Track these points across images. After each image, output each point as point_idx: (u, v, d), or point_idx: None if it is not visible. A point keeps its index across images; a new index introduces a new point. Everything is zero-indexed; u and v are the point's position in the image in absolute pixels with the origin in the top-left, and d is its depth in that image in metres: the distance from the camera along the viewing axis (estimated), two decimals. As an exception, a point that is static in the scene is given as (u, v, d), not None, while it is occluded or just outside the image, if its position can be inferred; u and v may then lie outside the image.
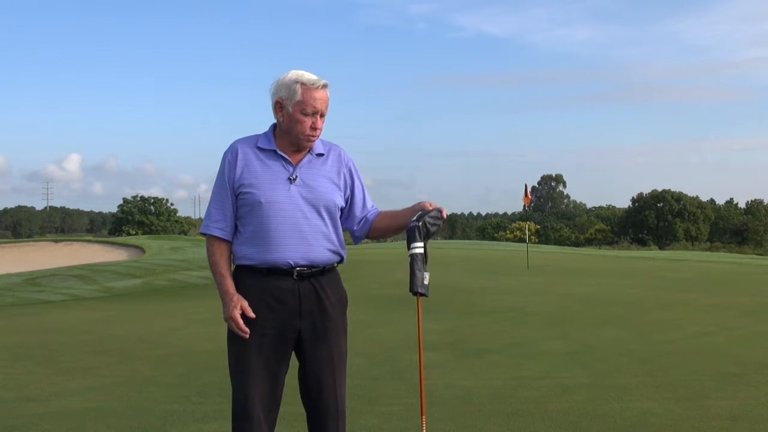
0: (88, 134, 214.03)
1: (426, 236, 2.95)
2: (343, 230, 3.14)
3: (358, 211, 3.10)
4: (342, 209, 3.06)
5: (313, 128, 2.89)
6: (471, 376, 6.27)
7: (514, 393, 5.60)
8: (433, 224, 2.95)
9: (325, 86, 2.90)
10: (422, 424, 3.03)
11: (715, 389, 5.74)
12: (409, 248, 2.95)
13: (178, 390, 5.80)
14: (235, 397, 2.90)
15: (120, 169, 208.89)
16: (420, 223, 2.94)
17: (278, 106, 2.92)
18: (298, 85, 2.87)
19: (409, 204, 3.12)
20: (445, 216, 2.99)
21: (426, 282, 2.94)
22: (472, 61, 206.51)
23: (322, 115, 2.91)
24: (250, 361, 2.86)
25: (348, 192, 3.06)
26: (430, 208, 2.98)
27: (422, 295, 2.94)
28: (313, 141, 2.93)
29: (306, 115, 2.87)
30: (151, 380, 6.19)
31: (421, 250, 2.94)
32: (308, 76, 2.89)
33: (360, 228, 3.12)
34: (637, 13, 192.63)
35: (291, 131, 2.91)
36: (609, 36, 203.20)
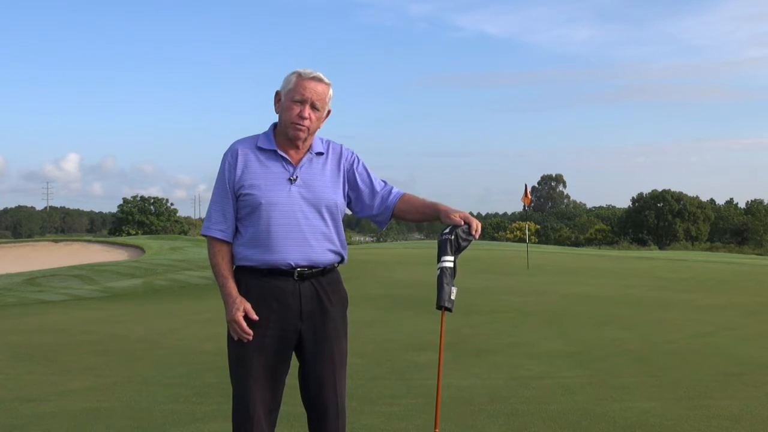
0: (85, 134, 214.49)
1: (457, 251, 2.90)
2: (365, 219, 3.12)
3: (367, 199, 3.05)
4: (351, 201, 3.05)
5: (300, 116, 2.86)
6: (471, 376, 6.27)
7: (514, 393, 5.60)
8: (465, 239, 2.90)
9: (316, 78, 2.89)
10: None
11: (715, 389, 5.74)
12: (439, 260, 2.90)
13: (178, 390, 5.79)
14: (235, 397, 2.90)
15: (118, 170, 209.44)
16: (452, 237, 2.89)
17: (276, 98, 2.96)
18: (294, 76, 2.91)
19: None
20: (475, 234, 2.91)
21: (453, 297, 2.90)
22: (472, 61, 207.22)
23: (313, 107, 2.88)
24: (251, 361, 2.85)
25: (348, 186, 3.04)
26: (459, 220, 2.91)
27: (448, 309, 2.90)
28: (301, 131, 2.88)
29: (294, 102, 2.87)
30: (151, 380, 6.19)
31: (451, 264, 2.90)
32: (307, 69, 2.91)
33: (381, 213, 3.07)
34: (637, 13, 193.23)
35: (281, 120, 2.93)
36: (609, 36, 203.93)
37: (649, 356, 7.19)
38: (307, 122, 2.87)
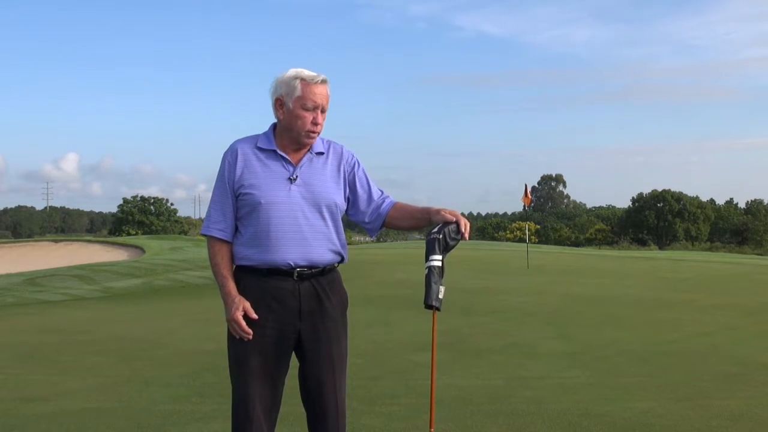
0: (83, 134, 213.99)
1: (445, 250, 2.90)
2: (356, 224, 3.13)
3: (363, 205, 3.06)
4: (348, 204, 3.05)
5: (314, 123, 2.87)
6: (471, 376, 6.27)
7: (514, 393, 5.60)
8: (453, 238, 2.89)
9: (324, 81, 2.89)
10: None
11: (715, 389, 5.74)
12: (426, 260, 2.90)
13: (178, 390, 5.79)
14: (235, 397, 2.90)
15: (117, 169, 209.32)
16: (441, 236, 2.89)
17: (278, 104, 2.91)
18: (298, 81, 2.87)
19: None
20: (464, 232, 2.89)
21: (441, 296, 2.90)
22: (472, 61, 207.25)
23: (322, 111, 2.89)
24: (250, 361, 2.85)
25: (348, 189, 3.04)
26: (450, 217, 2.90)
27: (436, 308, 2.90)
28: (314, 137, 2.91)
29: (307, 110, 2.86)
30: (151, 380, 6.19)
31: (439, 263, 2.89)
32: (307, 72, 2.89)
33: (373, 221, 3.08)
34: (637, 13, 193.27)
35: (292, 128, 2.90)
36: (609, 36, 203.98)
37: (649, 356, 7.19)
38: (320, 128, 2.90)
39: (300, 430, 4.24)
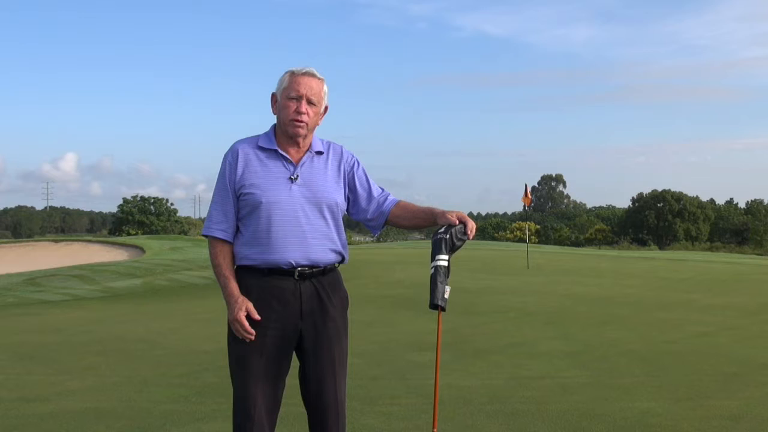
0: (82, 134, 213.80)
1: (451, 250, 2.91)
2: (359, 222, 3.14)
3: (364, 203, 3.07)
4: (348, 203, 3.06)
5: (297, 112, 2.88)
6: (471, 376, 6.27)
7: (514, 393, 5.60)
8: (459, 239, 2.90)
9: (308, 73, 2.91)
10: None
11: (715, 389, 5.74)
12: (433, 260, 2.91)
13: (178, 390, 5.79)
14: (235, 397, 2.90)
15: (115, 170, 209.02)
16: (447, 236, 2.89)
17: (273, 99, 2.98)
18: (287, 75, 2.93)
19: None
20: (470, 234, 2.91)
21: (446, 296, 2.90)
22: (472, 61, 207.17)
23: (309, 102, 2.89)
24: (251, 361, 2.85)
25: (347, 188, 3.05)
26: (456, 221, 2.91)
27: (441, 308, 2.90)
28: (299, 128, 2.89)
29: (290, 99, 2.89)
30: (151, 380, 6.19)
31: (446, 263, 2.90)
32: (299, 67, 2.94)
33: (375, 218, 3.08)
34: (637, 13, 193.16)
35: (279, 120, 2.94)
36: (609, 36, 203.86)
37: (649, 356, 7.20)
38: (305, 117, 2.88)
39: (300, 430, 4.25)
